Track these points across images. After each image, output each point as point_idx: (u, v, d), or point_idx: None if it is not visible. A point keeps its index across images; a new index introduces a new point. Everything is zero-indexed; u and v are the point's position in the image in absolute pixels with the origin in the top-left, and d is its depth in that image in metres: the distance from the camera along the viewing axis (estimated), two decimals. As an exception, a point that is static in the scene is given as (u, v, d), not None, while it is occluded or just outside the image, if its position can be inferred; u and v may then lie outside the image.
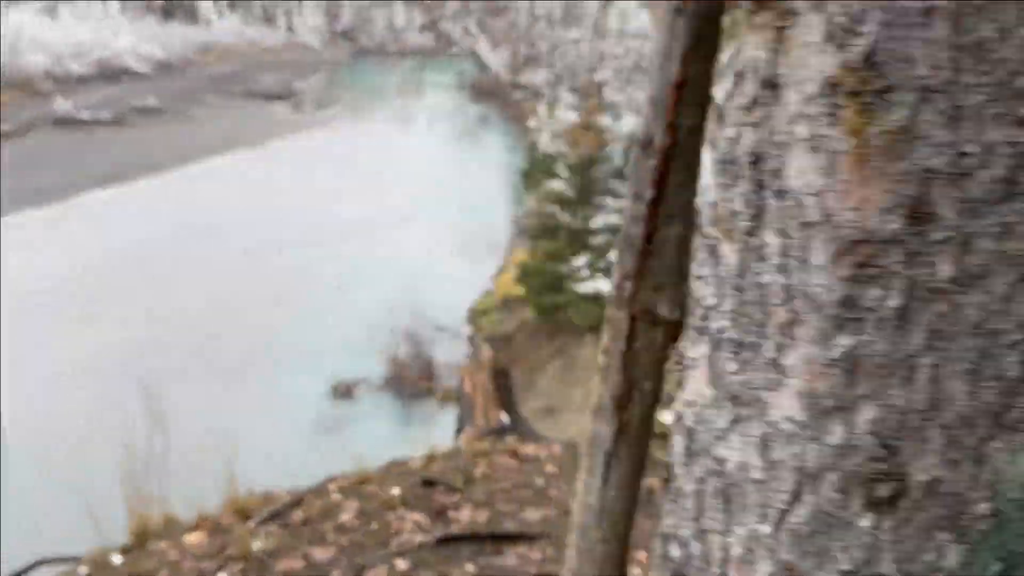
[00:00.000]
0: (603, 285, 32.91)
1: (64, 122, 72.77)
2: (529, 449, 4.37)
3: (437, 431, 35.39)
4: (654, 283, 1.79)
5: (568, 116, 37.02)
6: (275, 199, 63.83)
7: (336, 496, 3.81)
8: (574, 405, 34.23)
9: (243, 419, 34.22)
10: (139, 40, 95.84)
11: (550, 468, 4.48)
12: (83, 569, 3.38)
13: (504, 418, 5.80)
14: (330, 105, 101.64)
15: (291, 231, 56.67)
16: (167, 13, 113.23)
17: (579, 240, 34.50)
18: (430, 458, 4.18)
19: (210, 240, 54.25)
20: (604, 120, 34.10)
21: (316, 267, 51.17)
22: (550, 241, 35.73)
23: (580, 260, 33.95)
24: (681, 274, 1.60)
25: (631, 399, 1.94)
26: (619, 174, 35.03)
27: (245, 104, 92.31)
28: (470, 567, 3.42)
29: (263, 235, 55.18)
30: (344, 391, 36.01)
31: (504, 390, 6.96)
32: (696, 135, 1.55)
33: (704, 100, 1.46)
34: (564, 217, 34.60)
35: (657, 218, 1.72)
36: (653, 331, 1.84)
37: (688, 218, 1.60)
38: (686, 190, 1.61)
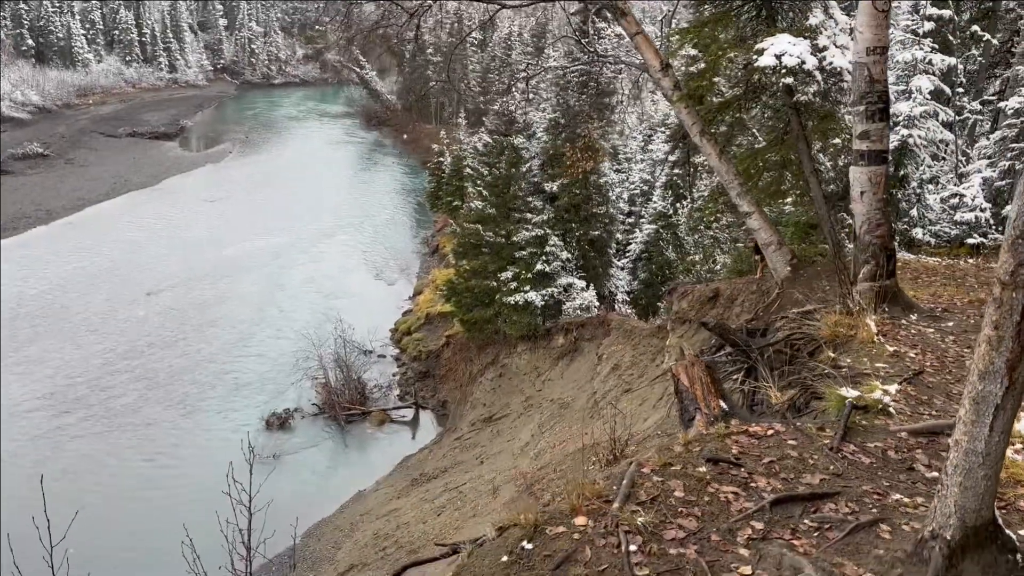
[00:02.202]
0: (532, 296, 34.06)
1: (-58, 174, 68.88)
2: (757, 429, 5.40)
3: (375, 454, 36.01)
4: None
5: (483, 138, 37.94)
6: (175, 237, 62.53)
7: (656, 479, 4.61)
8: (513, 413, 35.22)
9: (177, 458, 33.98)
10: (12, 86, 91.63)
11: (790, 442, 5.28)
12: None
13: (724, 405, 6.52)
14: (220, 140, 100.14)
15: (196, 268, 55.61)
16: (40, 57, 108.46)
17: (503, 255, 35.49)
18: (687, 443, 5.07)
19: (111, 284, 52.66)
20: (518, 139, 35.22)
21: (228, 301, 50.53)
22: (475, 258, 36.55)
23: (507, 274, 34.92)
24: None
25: (1020, 362, 3.01)
26: (536, 190, 36.33)
27: (132, 145, 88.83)
28: (807, 521, 4.31)
29: (167, 274, 54.06)
30: (278, 423, 35.89)
31: (717, 381, 7.69)
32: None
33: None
34: (487, 234, 35.50)
35: None
36: None
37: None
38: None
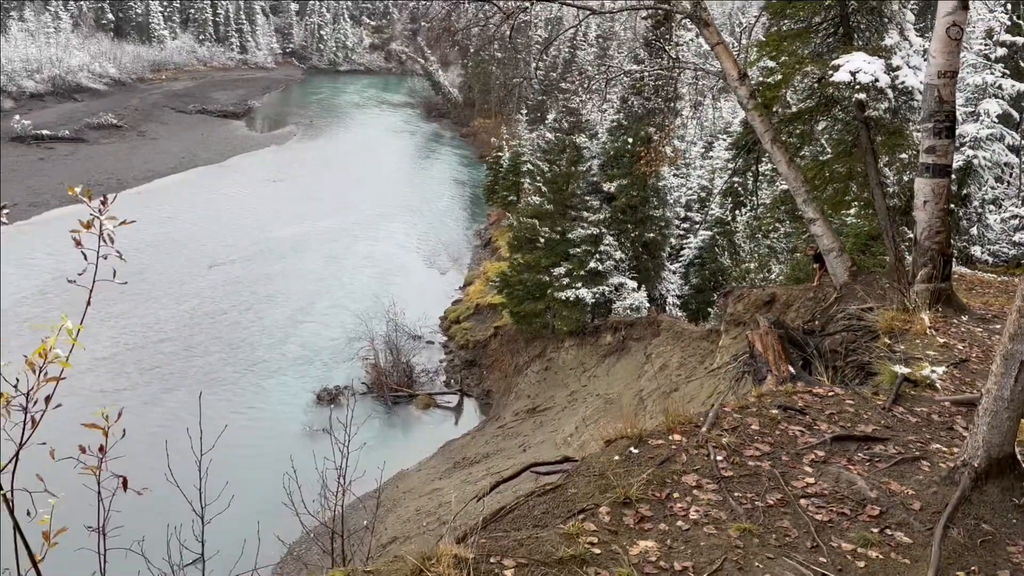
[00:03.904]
0: (583, 293, 34.87)
1: (22, 139, 72.04)
2: (820, 391, 6.27)
3: (419, 436, 37.21)
4: None
5: (545, 135, 38.89)
6: (238, 214, 64.67)
7: (736, 415, 5.52)
8: (557, 406, 36.09)
9: (235, 426, 35.55)
10: (91, 58, 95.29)
11: (848, 402, 6.15)
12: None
13: (792, 369, 7.36)
14: (285, 123, 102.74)
15: (257, 245, 57.50)
16: (119, 31, 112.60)
17: (557, 251, 36.34)
18: (760, 395, 5.99)
19: (177, 256, 54.86)
20: (580, 139, 36.08)
21: (287, 279, 52.29)
22: (529, 252, 37.44)
23: (560, 269, 35.78)
24: None
25: None
26: (594, 189, 37.15)
27: (201, 122, 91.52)
28: (860, 454, 5.21)
29: (229, 249, 56.11)
30: (329, 398, 37.31)
31: (786, 349, 8.59)
32: None
33: None
34: (543, 230, 36.37)
35: None
36: None
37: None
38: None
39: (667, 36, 23.04)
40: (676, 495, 4.40)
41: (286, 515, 7.95)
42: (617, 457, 4.74)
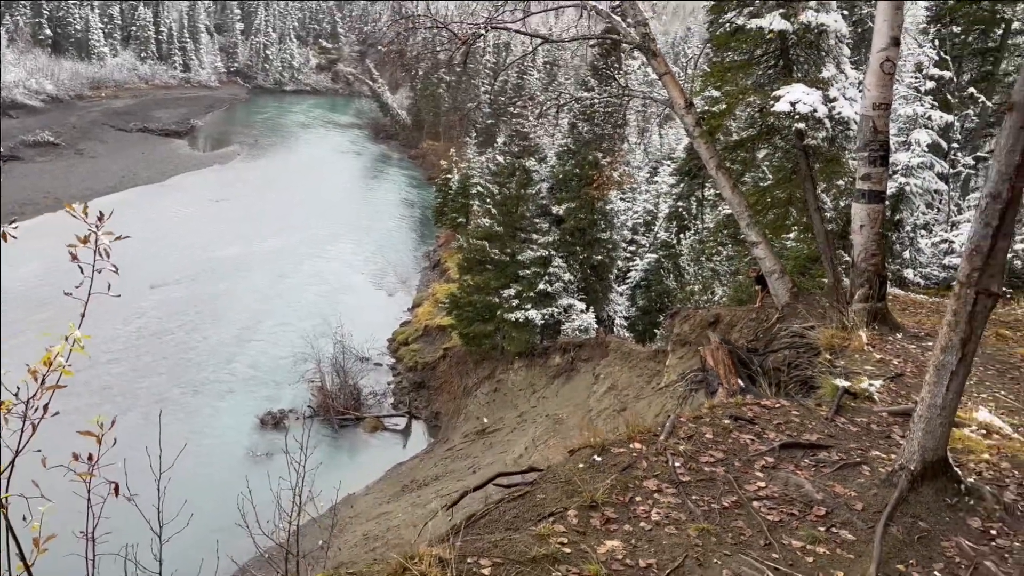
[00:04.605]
0: (532, 314, 35.22)
1: (-47, 155, 69.85)
2: (767, 402, 6.66)
3: (366, 459, 36.88)
4: (990, 273, 4.36)
5: (495, 158, 39.31)
6: (181, 234, 63.59)
7: (691, 425, 5.89)
8: (506, 427, 36.21)
9: (174, 449, 34.70)
10: (27, 74, 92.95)
11: (794, 412, 6.54)
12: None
13: (741, 383, 7.66)
14: (228, 142, 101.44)
15: (200, 265, 56.62)
16: (57, 47, 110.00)
17: (507, 273, 36.66)
18: (712, 407, 6.36)
19: (118, 276, 52.86)
20: (530, 162, 36.59)
21: (232, 298, 51.50)
22: (479, 274, 37.69)
23: (510, 291, 36.09)
24: (1005, 268, 3.97)
25: (971, 340, 4.47)
26: (543, 211, 37.67)
27: (142, 140, 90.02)
28: (807, 460, 5.58)
29: (171, 270, 55.09)
30: (273, 422, 36.72)
31: (735, 364, 8.90)
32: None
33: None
34: (493, 251, 36.67)
35: (998, 237, 4.28)
36: (987, 300, 4.43)
37: (1011, 236, 4.04)
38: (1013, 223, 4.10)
39: (617, 65, 23.73)
40: (638, 499, 4.68)
41: (237, 535, 7.97)
42: (582, 465, 5.01)
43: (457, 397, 41.07)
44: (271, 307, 49.90)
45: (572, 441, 5.36)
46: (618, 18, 13.96)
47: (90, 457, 3.36)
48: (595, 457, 5.09)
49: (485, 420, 36.57)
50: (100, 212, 3.46)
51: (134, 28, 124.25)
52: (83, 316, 3.43)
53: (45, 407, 3.16)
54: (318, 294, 53.02)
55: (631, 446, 5.24)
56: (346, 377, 39.55)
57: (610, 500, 4.62)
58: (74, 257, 3.35)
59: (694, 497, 4.81)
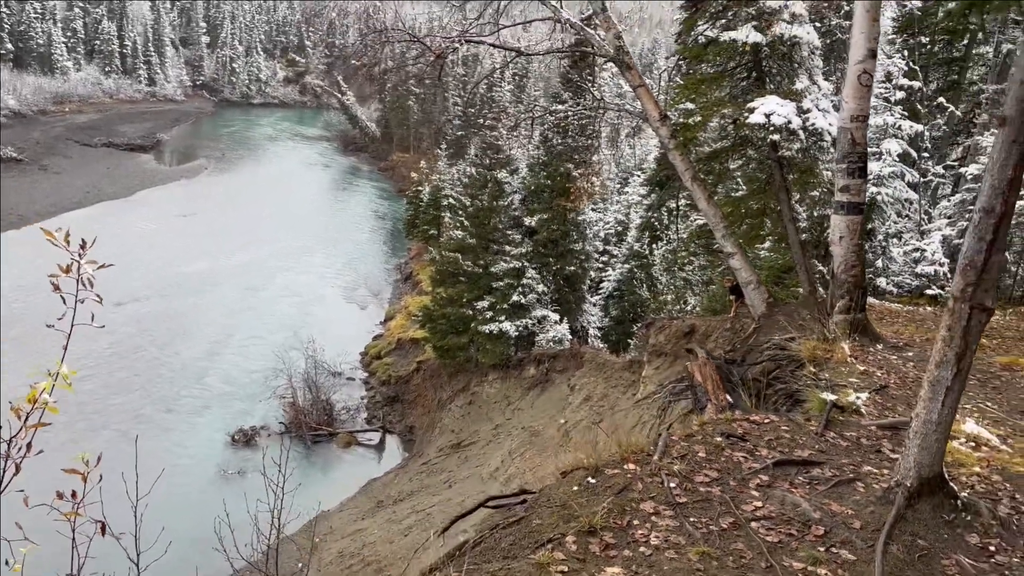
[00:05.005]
0: (506, 326, 35.11)
1: (-88, 171, 68.24)
2: (756, 418, 6.64)
3: (340, 475, 36.44)
4: (984, 287, 4.34)
5: (467, 170, 39.26)
6: (147, 250, 62.64)
7: (684, 443, 5.81)
8: (482, 440, 35.99)
9: (147, 469, 34.14)
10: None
11: (783, 428, 6.50)
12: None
13: (729, 399, 7.62)
14: (195, 156, 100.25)
15: (168, 280, 55.87)
16: (19, 62, 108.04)
17: (480, 285, 36.54)
18: (702, 424, 6.32)
19: (84, 292, 51.78)
20: (501, 174, 36.59)
21: (201, 313, 50.80)
22: (452, 286, 37.55)
23: (483, 303, 35.97)
24: (997, 283, 3.95)
25: (966, 355, 4.45)
26: (516, 223, 37.64)
27: (107, 155, 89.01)
28: (800, 477, 5.54)
29: (139, 285, 54.18)
30: (244, 439, 36.16)
31: (723, 379, 8.84)
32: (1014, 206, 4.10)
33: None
34: (465, 263, 36.55)
35: (992, 251, 4.26)
36: (981, 315, 4.41)
37: (1004, 250, 4.02)
38: (1006, 237, 4.08)
39: (591, 77, 23.86)
40: (636, 522, 4.60)
41: (215, 557, 7.76)
42: (576, 487, 4.92)
43: (431, 411, 40.79)
44: (241, 321, 49.31)
45: (552, 456, 5.27)
46: (591, 31, 13.99)
47: (74, 495, 3.23)
48: (589, 479, 5.01)
49: (460, 433, 36.36)
50: (83, 240, 3.32)
51: (98, 42, 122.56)
52: (65, 349, 3.28)
53: (28, 445, 3.02)
54: (289, 306, 52.52)
55: (625, 467, 5.17)
56: (318, 392, 39.13)
57: (608, 524, 4.53)
58: (56, 287, 3.20)
59: (692, 519, 4.74)
